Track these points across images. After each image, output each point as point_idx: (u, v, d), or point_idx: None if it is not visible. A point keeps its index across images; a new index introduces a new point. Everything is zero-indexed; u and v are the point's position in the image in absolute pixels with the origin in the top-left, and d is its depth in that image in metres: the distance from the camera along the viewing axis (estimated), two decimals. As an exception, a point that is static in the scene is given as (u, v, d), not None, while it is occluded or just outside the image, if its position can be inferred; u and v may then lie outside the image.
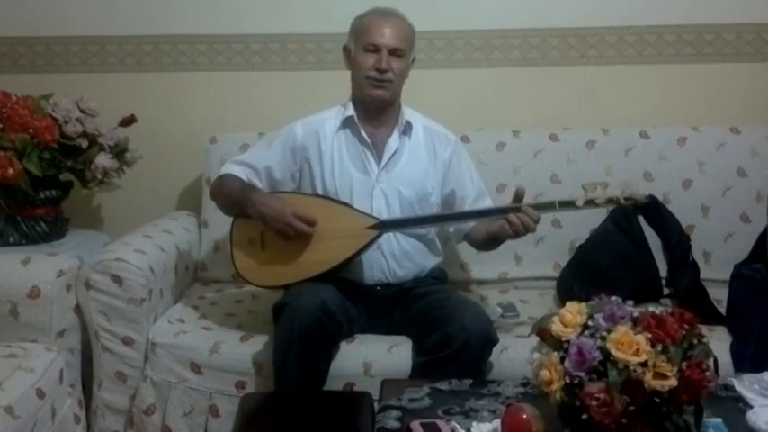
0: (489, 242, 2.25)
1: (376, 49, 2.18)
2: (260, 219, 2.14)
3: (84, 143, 2.56)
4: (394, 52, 2.19)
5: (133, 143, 2.68)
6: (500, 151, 2.67)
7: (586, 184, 2.07)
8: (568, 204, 2.09)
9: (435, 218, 2.26)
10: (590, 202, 2.06)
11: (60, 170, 2.56)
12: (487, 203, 2.33)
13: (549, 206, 2.12)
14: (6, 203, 2.54)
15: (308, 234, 2.11)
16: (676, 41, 2.80)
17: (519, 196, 2.07)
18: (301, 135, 2.28)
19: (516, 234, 2.07)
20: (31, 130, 2.45)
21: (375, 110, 2.26)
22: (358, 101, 2.27)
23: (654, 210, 2.54)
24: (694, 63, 2.81)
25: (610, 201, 2.06)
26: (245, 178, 2.25)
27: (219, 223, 2.66)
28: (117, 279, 2.20)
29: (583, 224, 2.59)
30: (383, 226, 2.15)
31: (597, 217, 2.56)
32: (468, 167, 2.36)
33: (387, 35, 2.18)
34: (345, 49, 2.28)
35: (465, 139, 2.63)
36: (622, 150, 2.65)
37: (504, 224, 2.07)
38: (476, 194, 2.33)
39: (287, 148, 2.28)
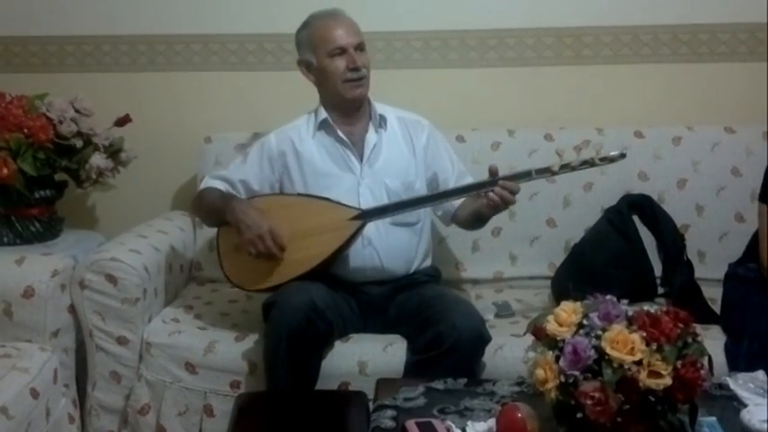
0: (476, 220, 2.24)
1: (342, 51, 2.19)
2: (235, 225, 2.13)
3: (78, 143, 2.55)
4: (358, 47, 2.21)
5: (128, 143, 2.67)
6: (495, 151, 2.67)
7: (560, 150, 2.06)
8: (545, 171, 2.07)
9: (416, 200, 2.23)
10: (566, 166, 2.04)
11: (55, 170, 2.55)
12: (469, 182, 2.33)
13: (525, 175, 2.08)
14: (0, 203, 2.53)
15: (272, 254, 2.09)
16: (671, 41, 2.81)
17: (493, 173, 2.06)
18: (276, 143, 2.29)
19: (496, 209, 2.07)
20: (25, 130, 2.44)
21: (352, 109, 2.27)
22: (335, 106, 2.27)
23: (648, 209, 2.55)
24: (689, 63, 2.81)
25: (584, 162, 2.04)
26: (223, 190, 2.27)
27: (214, 223, 2.66)
28: (111, 279, 2.20)
29: (578, 223, 2.59)
30: (366, 215, 2.15)
31: (592, 216, 2.57)
32: (445, 149, 2.38)
33: (347, 34, 2.20)
34: (304, 63, 2.27)
35: (460, 139, 2.63)
36: (617, 150, 2.64)
37: (482, 201, 2.07)
38: (457, 175, 2.34)
39: (263, 158, 2.29)
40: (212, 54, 2.87)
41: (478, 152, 2.63)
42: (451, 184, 2.31)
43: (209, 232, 2.66)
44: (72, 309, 2.24)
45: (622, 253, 2.44)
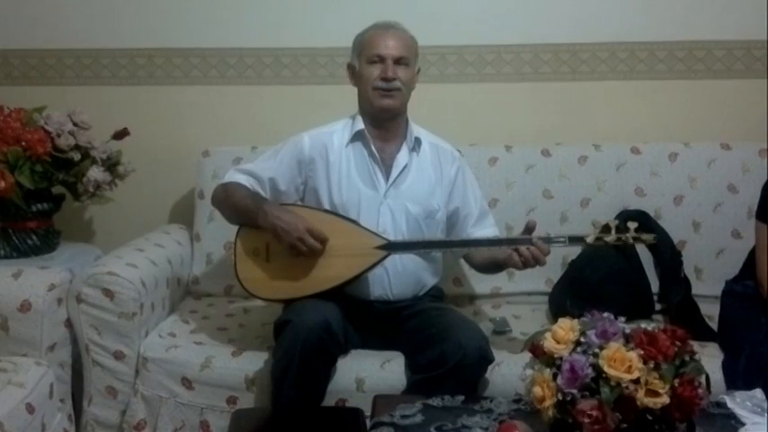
0: (491, 267, 2.26)
1: (380, 60, 2.19)
2: (271, 230, 2.11)
3: (76, 156, 2.55)
4: (399, 61, 2.19)
5: (126, 156, 2.67)
6: (492, 166, 2.68)
7: (596, 222, 2.09)
8: (578, 240, 2.11)
9: (444, 243, 2.27)
10: (599, 239, 2.08)
11: (52, 183, 2.55)
12: (490, 222, 2.35)
13: (559, 240, 2.12)
14: (-2, 216, 2.53)
15: (318, 251, 2.10)
16: (667, 58, 2.82)
17: (529, 229, 2.07)
18: (309, 147, 2.26)
19: (525, 266, 2.08)
20: (23, 143, 2.44)
21: (384, 122, 2.25)
22: (367, 115, 2.26)
23: (645, 225, 2.54)
24: (685, 79, 2.83)
25: (618, 239, 2.08)
26: (249, 187, 2.23)
27: (212, 237, 2.66)
28: (108, 293, 2.19)
29: (575, 239, 2.59)
30: (391, 247, 2.14)
31: (589, 232, 2.56)
32: (472, 185, 2.37)
33: (390, 45, 2.19)
34: (350, 67, 2.28)
35: (458, 154, 2.64)
36: (614, 166, 2.66)
37: (513, 255, 2.07)
38: (479, 213, 2.34)
39: (293, 160, 2.26)
40: (211, 68, 2.88)
41: (476, 167, 2.62)
42: (471, 222, 2.31)
43: (207, 246, 2.67)
44: (68, 323, 2.24)
45: (619, 269, 2.44)
